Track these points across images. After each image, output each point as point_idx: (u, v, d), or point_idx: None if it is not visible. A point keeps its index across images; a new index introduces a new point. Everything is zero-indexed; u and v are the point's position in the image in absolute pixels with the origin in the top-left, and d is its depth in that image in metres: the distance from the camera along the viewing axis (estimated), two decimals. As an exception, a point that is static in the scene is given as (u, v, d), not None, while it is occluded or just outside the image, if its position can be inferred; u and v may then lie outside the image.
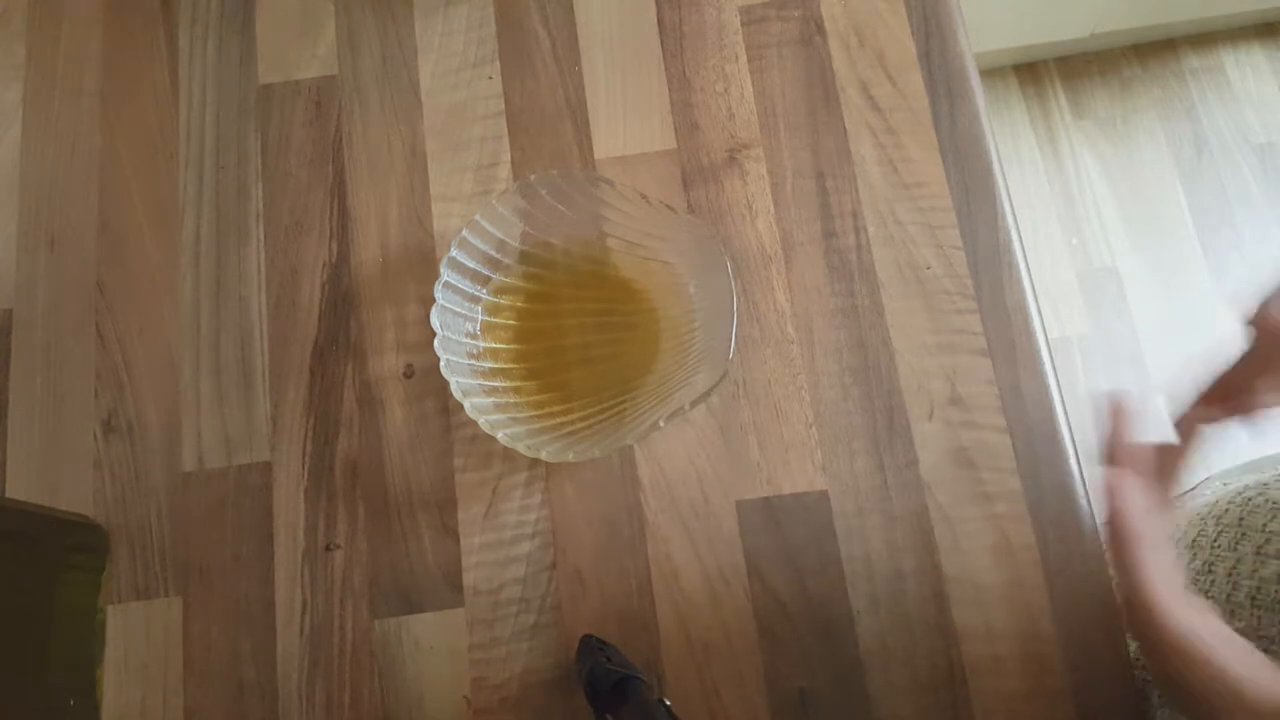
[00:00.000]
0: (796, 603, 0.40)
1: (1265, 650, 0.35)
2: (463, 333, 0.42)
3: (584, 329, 0.43)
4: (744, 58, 0.48)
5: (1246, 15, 1.29)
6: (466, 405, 0.38)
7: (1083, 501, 0.41)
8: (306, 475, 0.43)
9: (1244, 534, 0.39)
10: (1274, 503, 0.39)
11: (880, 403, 0.43)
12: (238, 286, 0.45)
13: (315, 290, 0.45)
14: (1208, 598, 0.39)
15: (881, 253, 0.45)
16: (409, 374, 0.44)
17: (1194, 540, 0.42)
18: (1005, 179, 0.46)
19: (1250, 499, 0.40)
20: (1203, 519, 0.43)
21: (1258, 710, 0.27)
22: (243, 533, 0.42)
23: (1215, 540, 0.40)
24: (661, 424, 0.37)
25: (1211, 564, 0.40)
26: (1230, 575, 0.38)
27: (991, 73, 1.32)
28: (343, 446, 0.43)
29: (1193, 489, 0.57)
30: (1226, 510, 0.41)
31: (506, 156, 0.47)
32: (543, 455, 0.37)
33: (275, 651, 0.41)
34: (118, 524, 0.42)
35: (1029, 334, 0.43)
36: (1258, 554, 0.37)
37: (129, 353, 0.45)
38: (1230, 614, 0.37)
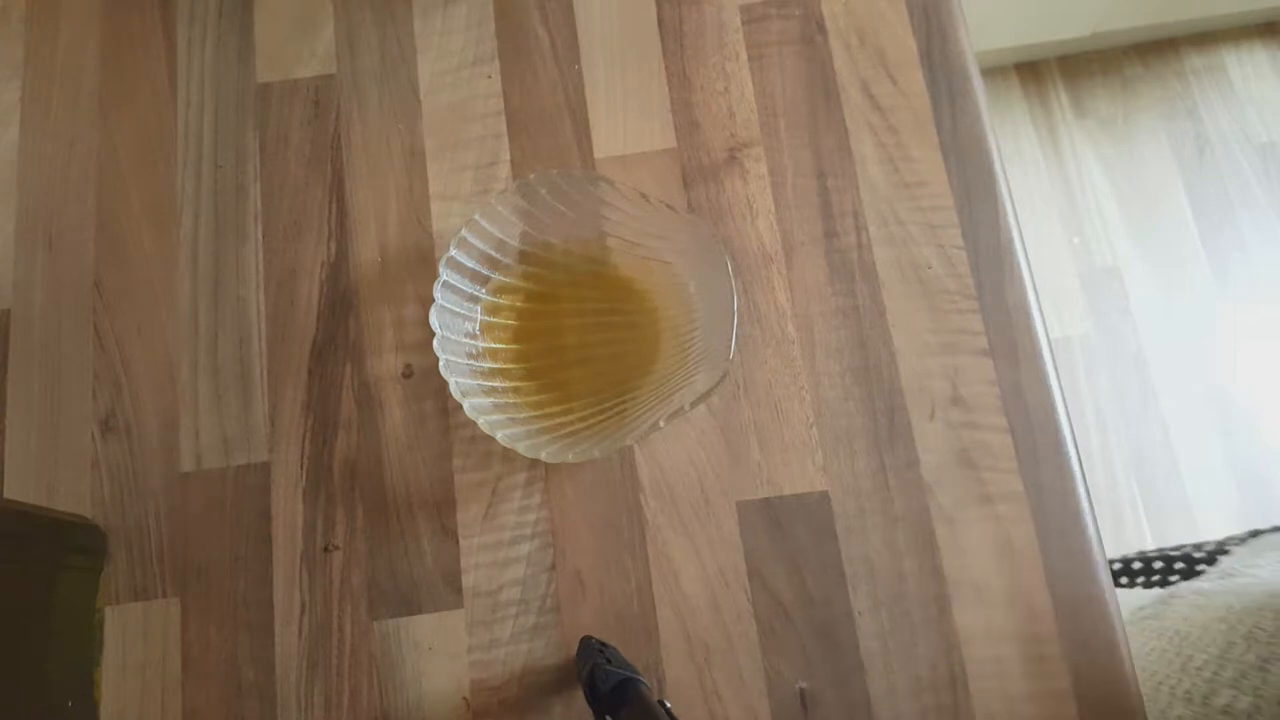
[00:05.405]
0: (797, 603, 0.40)
1: None
2: (462, 333, 0.41)
3: (584, 329, 0.43)
4: (744, 56, 0.48)
5: (1248, 15, 1.29)
6: (465, 405, 0.38)
7: (1084, 502, 0.41)
8: (305, 476, 0.42)
9: None
10: None
11: (881, 403, 0.42)
12: (236, 286, 0.45)
13: (313, 290, 0.45)
14: (1257, 696, 0.39)
15: (882, 252, 0.44)
16: (408, 374, 0.44)
17: (1249, 632, 0.42)
18: (1007, 178, 0.45)
19: None
20: (1256, 612, 0.42)
21: None
22: (241, 533, 0.42)
23: (1273, 636, 0.40)
24: (661, 424, 0.36)
25: (1266, 661, 0.40)
26: None
27: (993, 71, 1.32)
28: (341, 447, 0.43)
29: (1212, 552, 0.56)
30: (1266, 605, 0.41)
31: (506, 156, 0.47)
32: (542, 456, 0.37)
33: (274, 653, 0.41)
34: (115, 524, 0.42)
35: (1030, 334, 0.43)
36: None
37: (127, 353, 0.44)
38: None
